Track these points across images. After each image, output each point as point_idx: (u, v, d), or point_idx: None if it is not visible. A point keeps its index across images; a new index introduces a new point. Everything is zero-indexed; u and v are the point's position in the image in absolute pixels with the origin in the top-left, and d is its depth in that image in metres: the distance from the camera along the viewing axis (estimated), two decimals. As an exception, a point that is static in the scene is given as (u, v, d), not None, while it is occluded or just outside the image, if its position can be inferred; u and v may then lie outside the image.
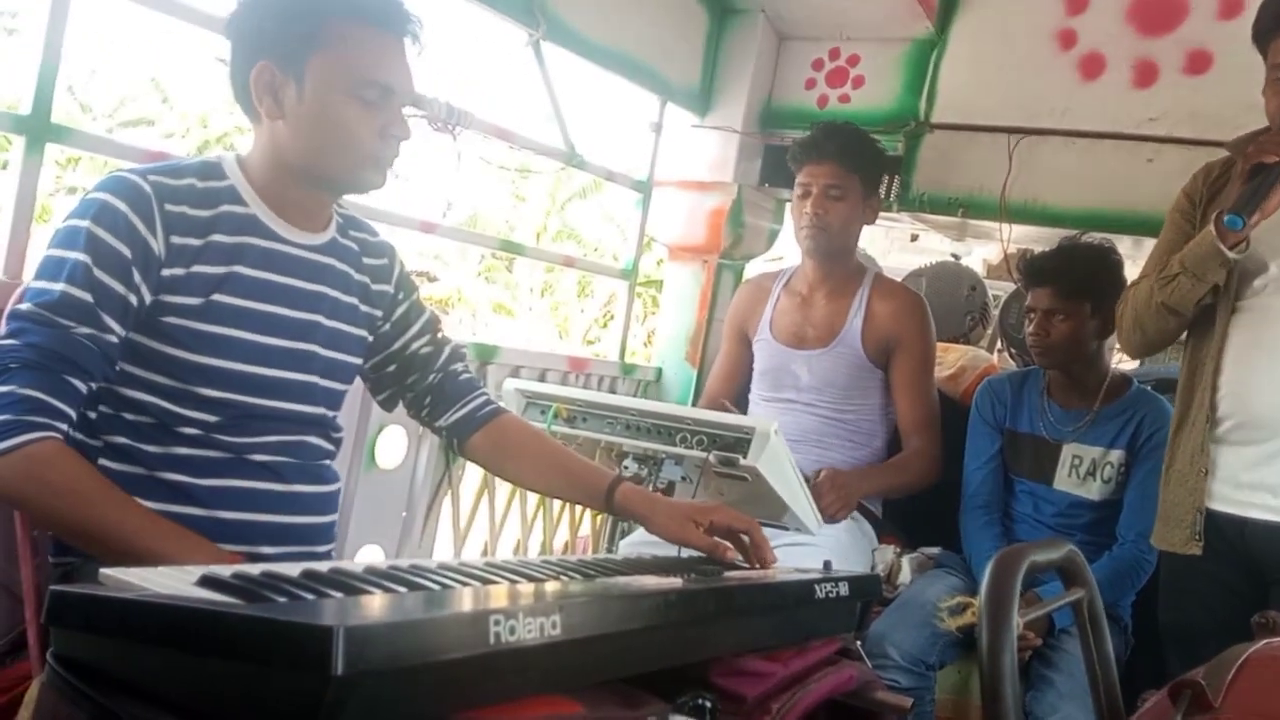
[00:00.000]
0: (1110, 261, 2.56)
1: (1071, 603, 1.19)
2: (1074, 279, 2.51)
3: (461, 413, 1.83)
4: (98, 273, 1.41)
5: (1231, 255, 1.94)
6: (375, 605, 0.92)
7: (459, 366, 1.87)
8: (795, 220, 2.73)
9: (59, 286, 1.40)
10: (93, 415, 1.49)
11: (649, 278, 12.07)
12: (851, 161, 2.67)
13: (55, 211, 13.36)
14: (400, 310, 1.81)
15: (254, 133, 1.59)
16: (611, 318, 16.29)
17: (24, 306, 1.40)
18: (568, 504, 3.14)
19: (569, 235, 17.77)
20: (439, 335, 1.87)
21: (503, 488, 2.92)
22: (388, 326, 1.79)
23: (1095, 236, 2.76)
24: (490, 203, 17.41)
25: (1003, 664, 0.90)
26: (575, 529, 3.20)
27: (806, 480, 2.46)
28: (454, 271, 17.93)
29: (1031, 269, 2.61)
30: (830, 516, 2.47)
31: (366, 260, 1.75)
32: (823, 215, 2.65)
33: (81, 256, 1.41)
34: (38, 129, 1.76)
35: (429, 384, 1.83)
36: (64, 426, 1.38)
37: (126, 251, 1.43)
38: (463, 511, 2.75)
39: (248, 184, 1.58)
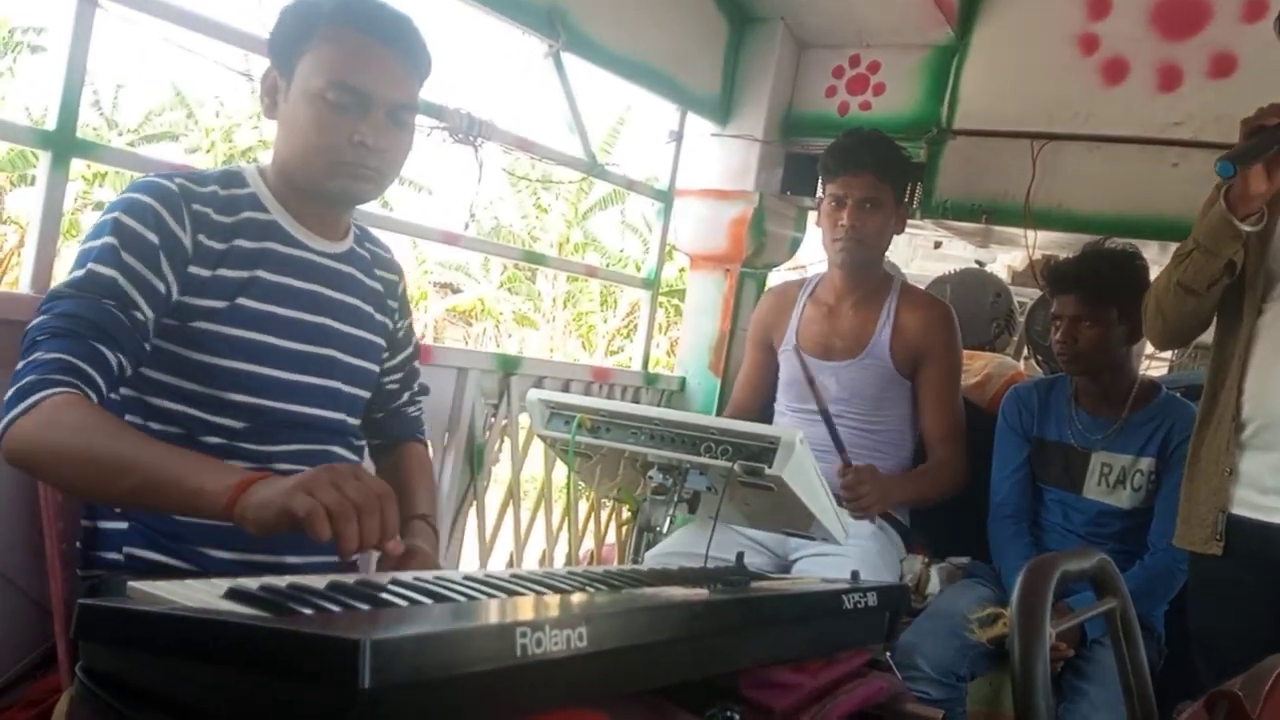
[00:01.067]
0: (1135, 266, 2.53)
1: (1104, 613, 1.17)
2: (1099, 285, 2.48)
3: (377, 443, 1.89)
4: (125, 255, 1.43)
5: (1244, 227, 1.91)
6: (401, 618, 0.91)
7: (412, 409, 1.93)
8: (827, 231, 2.69)
9: (86, 268, 1.42)
10: (121, 425, 1.50)
11: (671, 287, 12.06)
12: (886, 172, 2.64)
13: (83, 227, 13.51)
14: (400, 335, 1.85)
15: None
16: (635, 328, 16.29)
17: (54, 288, 1.43)
18: (593, 515, 3.14)
19: (591, 246, 17.80)
20: (413, 366, 1.91)
21: (527, 500, 2.92)
22: (389, 351, 1.83)
23: (1119, 241, 2.74)
24: (512, 214, 17.47)
25: (1035, 675, 0.89)
26: (600, 539, 3.19)
27: (848, 465, 2.41)
28: (477, 283, 17.99)
29: (1055, 276, 2.58)
30: (863, 510, 2.42)
31: (379, 271, 1.79)
32: (859, 227, 2.62)
33: (109, 240, 1.43)
34: (63, 144, 1.77)
35: (374, 418, 1.86)
36: (90, 392, 1.35)
37: (154, 238, 1.45)
38: (488, 523, 2.75)
39: (268, 192, 1.61)
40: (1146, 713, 1.20)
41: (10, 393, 1.33)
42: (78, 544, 1.55)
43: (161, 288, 1.45)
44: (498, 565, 2.94)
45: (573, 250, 17.64)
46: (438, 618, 0.93)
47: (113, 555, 1.50)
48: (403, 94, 1.58)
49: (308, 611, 0.90)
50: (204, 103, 17.45)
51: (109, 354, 1.39)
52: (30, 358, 1.35)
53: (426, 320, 17.38)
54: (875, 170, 2.62)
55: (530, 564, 3.01)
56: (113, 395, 1.44)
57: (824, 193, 2.70)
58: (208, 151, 16.69)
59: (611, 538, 3.26)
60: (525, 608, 1.04)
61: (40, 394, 1.31)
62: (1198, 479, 2.08)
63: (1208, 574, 2.08)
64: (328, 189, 1.58)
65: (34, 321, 1.39)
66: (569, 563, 2.99)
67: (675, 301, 13.08)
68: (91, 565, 1.52)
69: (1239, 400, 2.01)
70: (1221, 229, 1.93)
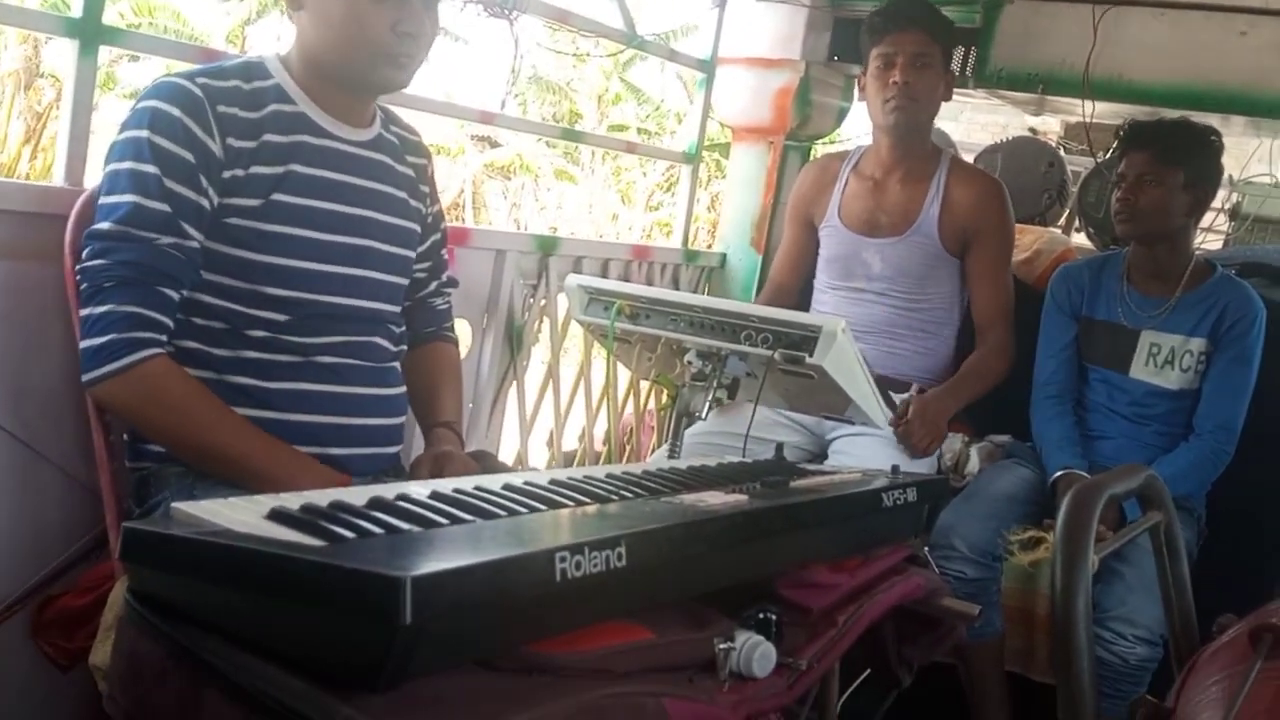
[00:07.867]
0: (1212, 141, 2.42)
1: (1148, 529, 1.16)
2: (1173, 146, 2.37)
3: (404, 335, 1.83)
4: (169, 183, 1.43)
5: None
6: (440, 546, 0.92)
7: (439, 301, 1.90)
8: (876, 93, 2.55)
9: (130, 198, 1.42)
10: (165, 321, 1.51)
11: (712, 140, 11.81)
12: (936, 30, 2.53)
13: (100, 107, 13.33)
14: (429, 220, 1.82)
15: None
16: (674, 182, 16.07)
17: (104, 226, 1.43)
18: (632, 392, 3.15)
19: (632, 96, 17.44)
20: (441, 255, 1.88)
21: (566, 378, 2.93)
22: (422, 234, 1.80)
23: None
24: (550, 64, 17.07)
25: (1076, 607, 0.89)
26: (640, 416, 3.20)
27: (893, 407, 2.39)
28: (516, 136, 17.74)
29: (1132, 131, 2.47)
30: (921, 454, 2.41)
31: (409, 157, 1.76)
32: (912, 84, 2.49)
33: (150, 168, 1.43)
34: (90, 31, 1.71)
35: (401, 308, 1.81)
36: (165, 339, 1.44)
37: (190, 156, 1.45)
38: (528, 403, 2.77)
39: (292, 82, 1.59)
40: (1186, 627, 1.20)
41: (92, 344, 1.40)
42: (124, 435, 1.58)
43: (205, 204, 1.47)
44: (538, 443, 2.96)
45: (612, 102, 17.27)
46: (476, 545, 0.94)
47: (159, 446, 1.52)
48: None
49: (349, 533, 0.90)
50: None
51: (172, 293, 1.45)
52: (104, 309, 1.40)
53: (465, 175, 17.24)
54: (926, 28, 2.51)
55: (570, 439, 3.03)
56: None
57: (869, 57, 2.57)
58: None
59: (651, 404, 3.27)
60: (563, 527, 1.05)
61: (129, 357, 1.40)
62: None
63: None
64: (369, 80, 1.58)
65: (93, 263, 1.41)
66: (607, 441, 3.01)
67: (716, 156, 12.84)
68: (139, 457, 1.55)
69: None
70: None
